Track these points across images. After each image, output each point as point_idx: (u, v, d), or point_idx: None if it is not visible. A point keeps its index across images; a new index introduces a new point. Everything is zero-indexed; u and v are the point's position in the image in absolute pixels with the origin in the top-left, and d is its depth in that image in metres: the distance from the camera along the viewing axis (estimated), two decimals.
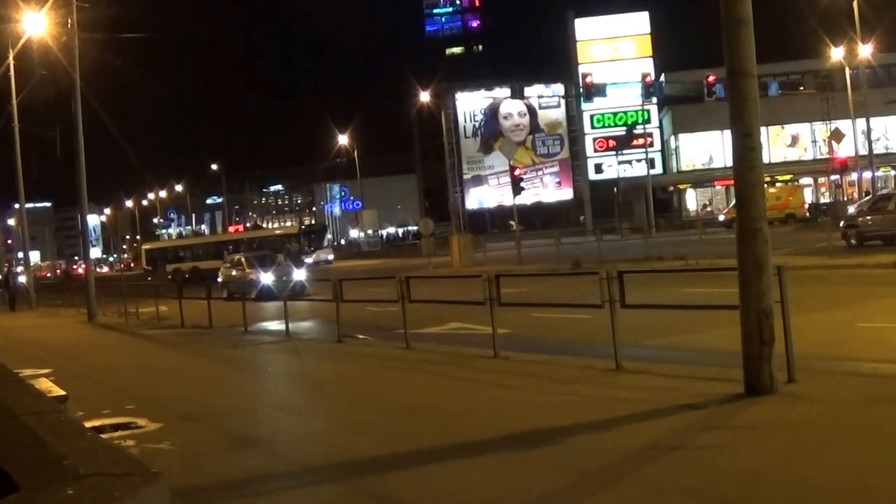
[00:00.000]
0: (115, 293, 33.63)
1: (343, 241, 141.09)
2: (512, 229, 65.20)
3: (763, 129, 10.54)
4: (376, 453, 8.35)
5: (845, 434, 7.80)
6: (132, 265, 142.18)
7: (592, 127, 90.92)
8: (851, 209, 42.64)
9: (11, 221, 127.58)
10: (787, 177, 77.04)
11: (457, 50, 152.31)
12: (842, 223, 34.64)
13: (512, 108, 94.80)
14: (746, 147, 9.67)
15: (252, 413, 11.19)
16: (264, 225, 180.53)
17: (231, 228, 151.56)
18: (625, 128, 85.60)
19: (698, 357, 12.46)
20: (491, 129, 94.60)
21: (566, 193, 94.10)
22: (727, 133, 10.09)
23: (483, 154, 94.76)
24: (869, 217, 33.56)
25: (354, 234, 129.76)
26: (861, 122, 58.61)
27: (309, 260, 68.78)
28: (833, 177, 71.10)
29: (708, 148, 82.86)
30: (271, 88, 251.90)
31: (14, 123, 43.35)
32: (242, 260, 39.35)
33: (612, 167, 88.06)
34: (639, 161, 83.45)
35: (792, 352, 9.76)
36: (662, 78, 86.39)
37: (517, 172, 61.83)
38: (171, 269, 71.00)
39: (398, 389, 12.22)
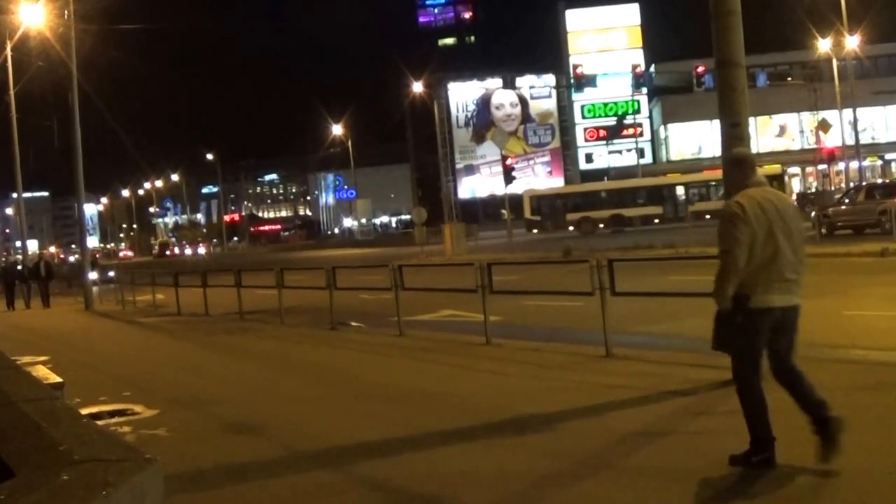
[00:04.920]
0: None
1: (336, 231, 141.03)
2: (504, 218, 65.26)
3: (751, 119, 10.63)
4: (370, 439, 8.41)
5: None
6: (132, 253, 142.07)
7: (583, 117, 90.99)
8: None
9: (9, 211, 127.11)
10: (776, 166, 77.15)
11: (449, 41, 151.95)
12: (813, 213, 35.02)
13: (504, 99, 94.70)
14: (735, 137, 9.77)
15: (247, 400, 11.22)
16: (261, 215, 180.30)
17: (226, 218, 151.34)
18: (615, 118, 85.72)
19: (687, 344, 12.54)
20: (483, 119, 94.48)
21: (557, 182, 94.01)
22: (716, 123, 10.18)
23: (475, 144, 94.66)
24: (840, 207, 34.11)
25: (348, 223, 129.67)
26: (848, 113, 58.67)
27: None
28: (820, 166, 71.19)
29: (697, 138, 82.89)
30: (266, 79, 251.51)
31: (12, 114, 43.19)
32: None
33: (603, 157, 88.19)
34: (629, 151, 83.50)
35: None
36: (652, 69, 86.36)
37: (509, 162, 61.64)
38: (577, 218, 62.91)
39: (391, 376, 12.28)
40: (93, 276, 37.73)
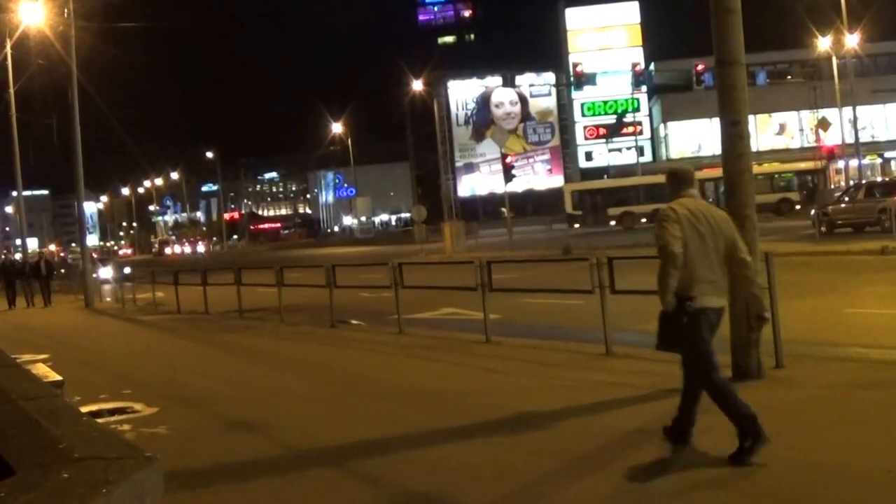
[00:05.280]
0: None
1: (336, 229, 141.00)
2: (503, 216, 65.19)
3: (751, 118, 10.62)
4: (370, 437, 8.42)
5: (832, 417, 7.90)
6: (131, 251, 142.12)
7: (583, 115, 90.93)
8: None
9: (9, 209, 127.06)
10: (775, 165, 77.22)
11: (449, 39, 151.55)
12: (812, 211, 35.02)
13: (503, 97, 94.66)
14: (734, 135, 9.77)
15: (247, 398, 11.23)
16: (260, 213, 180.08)
17: (226, 216, 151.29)
18: (615, 116, 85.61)
19: None
20: (483, 118, 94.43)
21: (557, 181, 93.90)
22: (716, 121, 10.17)
23: (475, 142, 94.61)
24: (840, 206, 34.13)
25: (348, 221, 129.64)
26: (847, 111, 58.63)
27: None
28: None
29: (697, 136, 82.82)
30: (266, 77, 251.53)
31: (12, 112, 43.14)
32: None
33: (602, 155, 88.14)
34: (628, 149, 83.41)
35: (780, 337, 9.86)
36: (652, 67, 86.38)
37: (508, 160, 61.44)
38: (618, 213, 62.79)
39: (391, 374, 12.27)
40: (107, 273, 37.03)
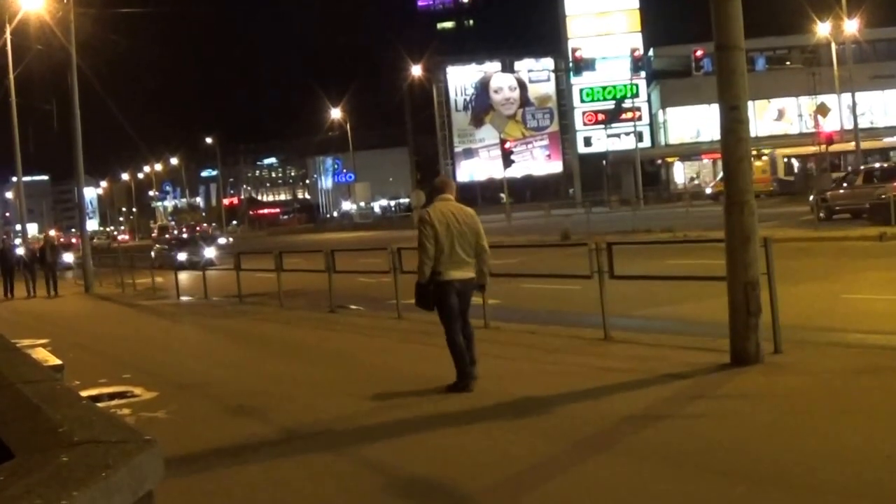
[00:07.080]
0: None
1: (336, 214, 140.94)
2: (502, 201, 65.16)
3: (750, 103, 10.60)
4: (368, 422, 8.44)
5: (830, 403, 7.91)
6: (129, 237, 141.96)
7: (582, 101, 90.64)
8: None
9: (9, 195, 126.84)
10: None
11: (448, 24, 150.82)
12: (811, 197, 34.94)
13: (502, 82, 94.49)
14: (734, 120, 9.75)
15: (246, 382, 11.23)
16: (260, 198, 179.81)
17: (225, 201, 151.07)
18: (614, 102, 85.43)
19: (685, 327, 12.58)
20: (482, 103, 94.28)
21: (556, 166, 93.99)
22: (715, 107, 10.16)
23: (474, 127, 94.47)
24: (839, 191, 34.09)
25: (347, 206, 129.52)
26: (846, 97, 58.54)
27: None
28: None
29: (695, 122, 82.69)
30: (265, 62, 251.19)
31: (11, 98, 43.01)
32: None
33: (601, 140, 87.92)
34: (627, 135, 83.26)
35: (778, 322, 9.86)
36: (651, 52, 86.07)
37: (507, 145, 61.49)
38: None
39: (390, 359, 12.30)
40: (212, 253, 34.55)
